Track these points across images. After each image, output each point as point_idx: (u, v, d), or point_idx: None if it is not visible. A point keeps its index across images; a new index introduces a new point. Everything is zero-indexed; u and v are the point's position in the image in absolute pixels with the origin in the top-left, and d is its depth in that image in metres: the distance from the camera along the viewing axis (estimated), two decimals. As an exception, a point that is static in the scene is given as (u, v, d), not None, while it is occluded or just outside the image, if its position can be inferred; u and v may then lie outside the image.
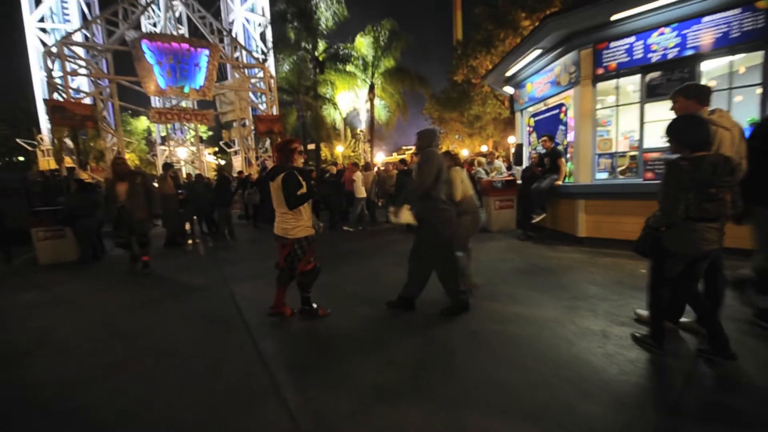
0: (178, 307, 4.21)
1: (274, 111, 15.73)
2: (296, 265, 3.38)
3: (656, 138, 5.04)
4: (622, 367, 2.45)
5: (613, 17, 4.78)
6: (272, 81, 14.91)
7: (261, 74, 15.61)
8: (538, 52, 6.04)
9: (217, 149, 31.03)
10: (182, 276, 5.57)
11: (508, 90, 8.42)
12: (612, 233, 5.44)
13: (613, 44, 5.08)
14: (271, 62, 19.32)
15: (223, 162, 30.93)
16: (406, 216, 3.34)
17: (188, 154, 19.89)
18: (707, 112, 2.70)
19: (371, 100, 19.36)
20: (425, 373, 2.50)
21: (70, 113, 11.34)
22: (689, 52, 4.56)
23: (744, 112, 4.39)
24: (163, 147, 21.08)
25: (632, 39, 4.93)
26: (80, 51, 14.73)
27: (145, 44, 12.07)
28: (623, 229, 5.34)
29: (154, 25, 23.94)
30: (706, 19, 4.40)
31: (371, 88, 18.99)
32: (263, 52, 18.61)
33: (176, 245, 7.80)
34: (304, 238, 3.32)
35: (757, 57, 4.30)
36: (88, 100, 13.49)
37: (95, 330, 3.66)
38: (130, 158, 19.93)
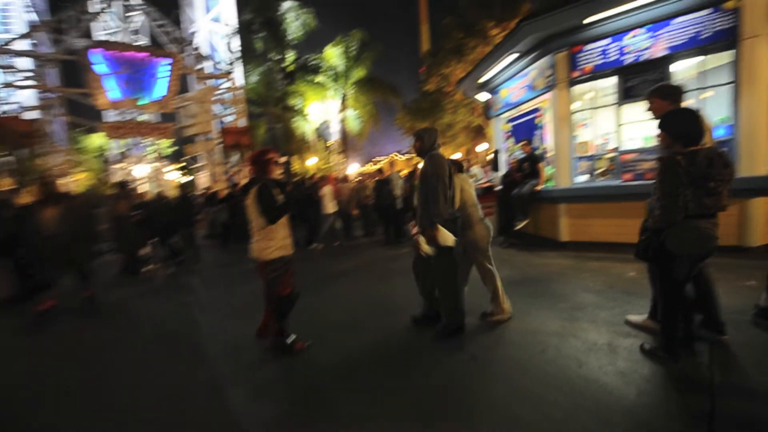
0: (129, 350, 3.60)
1: (242, 123, 15.10)
2: (271, 290, 2.95)
3: (633, 139, 5.05)
4: (639, 387, 2.21)
5: (587, 20, 4.77)
6: (239, 92, 14.27)
7: (227, 85, 14.94)
8: (513, 56, 5.98)
9: (183, 165, 29.59)
10: (137, 308, 4.91)
11: (482, 96, 8.40)
12: (594, 236, 5.37)
13: (588, 47, 5.08)
14: (238, 73, 18.64)
15: (190, 178, 29.49)
16: (448, 237, 2.87)
17: (149, 171, 18.65)
18: None
19: (344, 110, 19.10)
20: (427, 417, 2.13)
21: (6, 129, 10.17)
22: (662, 53, 4.60)
23: (714, 111, 4.44)
24: (121, 165, 19.66)
25: (607, 41, 4.94)
26: (26, 62, 13.49)
27: (96, 54, 11.19)
28: (605, 231, 5.28)
29: (112, 36, 22.61)
30: (677, 20, 4.46)
31: (343, 98, 18.75)
32: (229, 63, 17.93)
33: (133, 272, 7.02)
34: (278, 259, 2.90)
35: (726, 56, 4.38)
36: (35, 115, 12.29)
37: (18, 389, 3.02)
38: (82, 178, 18.42)
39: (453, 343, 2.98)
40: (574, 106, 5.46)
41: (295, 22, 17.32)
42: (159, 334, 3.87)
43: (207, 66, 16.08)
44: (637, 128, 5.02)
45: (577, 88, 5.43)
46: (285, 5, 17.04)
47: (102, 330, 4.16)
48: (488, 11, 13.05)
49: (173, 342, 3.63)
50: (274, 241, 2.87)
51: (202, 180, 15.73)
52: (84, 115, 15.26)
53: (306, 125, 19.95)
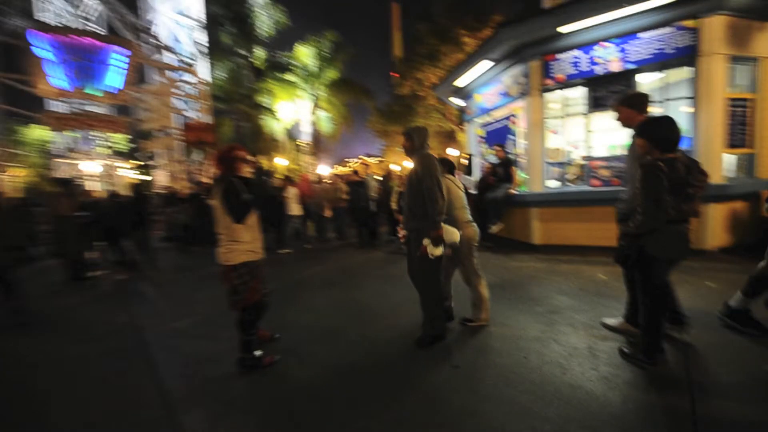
0: (69, 368, 3.14)
1: (208, 119, 14.27)
2: (236, 298, 2.67)
3: (601, 147, 5.24)
4: (624, 393, 2.19)
5: (561, 29, 4.89)
6: (204, 87, 13.47)
7: (190, 79, 14.08)
8: (489, 63, 6.05)
9: (140, 162, 27.65)
10: (80, 319, 4.36)
11: (457, 101, 8.47)
12: (564, 240, 5.51)
13: (561, 56, 5.22)
14: (203, 67, 17.70)
15: (148, 177, 27.64)
16: (453, 234, 2.82)
17: (99, 168, 17.13)
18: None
19: (315, 111, 18.70)
20: (411, 434, 1.97)
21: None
22: (629, 66, 4.81)
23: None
24: (67, 160, 17.87)
25: (578, 52, 5.10)
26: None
27: (38, 37, 10.08)
28: (575, 235, 5.44)
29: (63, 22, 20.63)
30: (643, 35, 4.68)
31: (315, 98, 18.37)
32: (192, 57, 16.96)
33: (78, 279, 6.32)
34: (245, 264, 2.63)
35: (687, 72, 4.65)
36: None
37: None
38: (21, 173, 16.57)
39: (434, 351, 2.85)
40: (546, 114, 5.59)
41: (265, 18, 16.74)
42: (106, 349, 3.42)
43: (168, 58, 15.06)
44: (605, 136, 5.22)
45: (550, 96, 5.57)
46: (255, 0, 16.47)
47: (38, 344, 3.62)
48: (461, 19, 13.31)
49: (121, 357, 3.21)
50: (240, 243, 2.61)
51: (161, 178, 14.66)
52: (23, 104, 13.76)
53: (276, 124, 19.33)
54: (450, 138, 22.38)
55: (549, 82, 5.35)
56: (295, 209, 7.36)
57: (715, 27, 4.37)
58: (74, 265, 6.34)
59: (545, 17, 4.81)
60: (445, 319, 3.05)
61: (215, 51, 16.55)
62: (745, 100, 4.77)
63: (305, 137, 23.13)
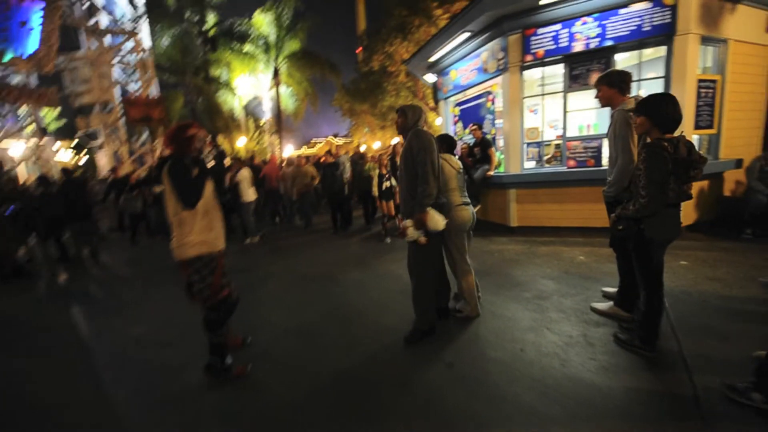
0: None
1: (154, 93, 12.79)
2: (196, 296, 2.32)
3: (577, 127, 5.20)
4: (625, 383, 2.13)
5: (542, 1, 4.66)
6: (146, 55, 11.93)
7: (131, 46, 12.44)
8: (465, 35, 5.73)
9: (76, 142, 24.72)
10: (14, 332, 3.72)
11: (430, 78, 8.12)
12: (541, 221, 5.52)
13: (540, 31, 5.02)
14: (145, 33, 15.75)
15: (84, 159, 24.92)
16: (438, 221, 2.55)
17: (25, 149, 14.95)
18: (631, 101, 2.63)
19: (276, 86, 17.47)
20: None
21: None
22: (608, 43, 4.72)
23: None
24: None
25: (558, 27, 4.92)
26: None
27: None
28: (551, 216, 5.45)
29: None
30: (623, 11, 4.57)
31: (275, 72, 17.11)
32: (133, 20, 14.96)
33: (7, 280, 5.47)
34: (200, 257, 2.25)
35: (663, 50, 4.64)
36: None
37: None
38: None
39: (424, 349, 2.66)
40: (524, 92, 5.43)
41: (216, -21, 15.09)
42: (50, 364, 2.90)
43: (103, 21, 13.15)
44: (582, 116, 5.18)
45: (528, 74, 5.40)
46: (204, -43, 14.71)
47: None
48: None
49: (69, 372, 2.73)
50: (193, 233, 2.23)
51: (103, 161, 13.12)
52: None
53: (234, 100, 17.91)
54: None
55: (529, 57, 5.15)
56: (249, 194, 6.57)
57: (692, 5, 4.34)
58: (1, 263, 5.48)
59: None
60: (435, 313, 2.85)
61: (158, 15, 14.70)
62: (713, 81, 4.87)
63: (267, 115, 21.80)
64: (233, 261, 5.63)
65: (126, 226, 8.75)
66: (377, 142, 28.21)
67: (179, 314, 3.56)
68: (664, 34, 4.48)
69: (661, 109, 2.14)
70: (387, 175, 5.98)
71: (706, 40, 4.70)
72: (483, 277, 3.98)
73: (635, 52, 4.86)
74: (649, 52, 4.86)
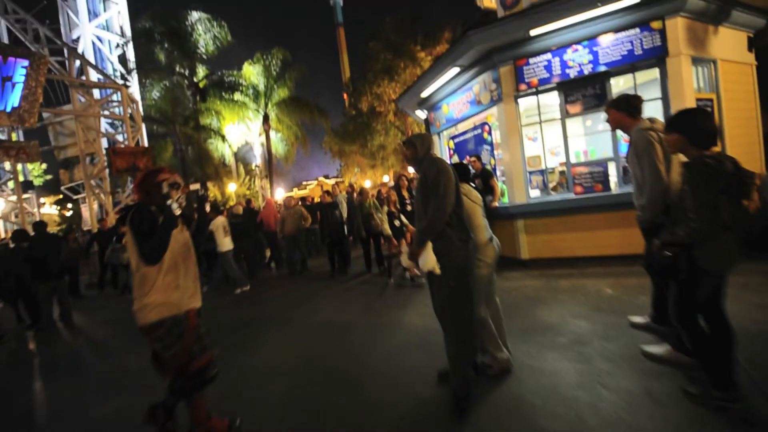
0: None
1: (143, 142, 12.59)
2: (171, 367, 1.89)
3: (574, 153, 5.08)
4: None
5: (533, 32, 4.69)
6: (135, 106, 11.92)
7: (119, 99, 12.47)
8: (455, 70, 5.74)
9: (61, 197, 24.18)
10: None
11: (421, 114, 8.14)
12: (554, 252, 5.18)
13: (532, 60, 5.02)
14: (134, 87, 15.98)
15: (68, 213, 24.32)
16: (430, 260, 2.17)
17: (8, 204, 14.42)
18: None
19: (266, 131, 17.63)
20: None
21: None
22: (601, 68, 4.70)
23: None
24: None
25: (549, 56, 4.93)
26: None
27: None
28: (564, 246, 5.14)
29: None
30: (612, 37, 4.60)
31: (266, 118, 17.34)
32: (123, 76, 15.20)
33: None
34: (163, 321, 1.87)
35: (656, 72, 4.62)
36: None
37: None
38: None
39: (455, 421, 2.16)
40: (522, 120, 5.33)
41: (205, 36, 15.62)
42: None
43: (93, 75, 13.28)
44: (582, 141, 5.06)
45: (524, 102, 5.34)
46: (194, 16, 15.31)
47: None
48: (412, 35, 13.38)
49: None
50: (154, 293, 1.87)
51: (87, 214, 12.62)
52: None
53: (224, 147, 17.92)
54: (408, 154, 22.38)
55: (523, 87, 5.11)
56: (225, 243, 6.06)
57: (678, 29, 4.39)
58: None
59: (516, 19, 4.58)
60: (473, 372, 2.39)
61: (149, 69, 15.00)
62: (710, 100, 4.85)
63: (257, 160, 21.85)
64: (220, 315, 5.07)
65: (108, 280, 8.12)
66: (367, 180, 28.41)
67: (160, 387, 2.99)
68: (656, 57, 4.48)
69: (695, 123, 1.99)
70: (396, 213, 5.50)
71: (696, 61, 4.73)
72: (505, 319, 3.55)
73: (629, 76, 4.85)
74: (642, 75, 4.85)
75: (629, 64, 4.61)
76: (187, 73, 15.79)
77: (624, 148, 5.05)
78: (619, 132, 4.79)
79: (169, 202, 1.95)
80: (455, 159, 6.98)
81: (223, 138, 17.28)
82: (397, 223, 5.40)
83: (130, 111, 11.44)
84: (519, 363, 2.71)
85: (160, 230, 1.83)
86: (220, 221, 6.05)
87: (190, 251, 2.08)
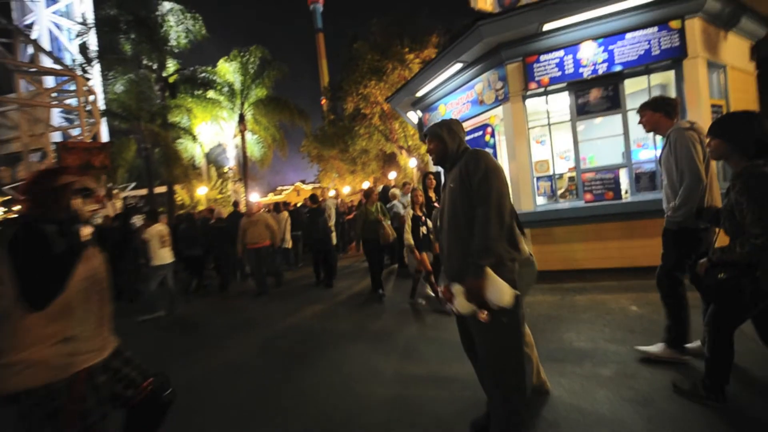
0: None
1: (102, 139, 11.41)
2: None
3: (602, 155, 4.75)
4: None
5: (547, 26, 4.35)
6: (94, 98, 10.73)
7: (75, 90, 11.22)
8: (458, 66, 5.31)
9: (9, 198, 21.82)
10: None
11: (413, 116, 7.68)
12: (563, 264, 4.81)
13: (543, 57, 4.67)
14: (96, 80, 14.62)
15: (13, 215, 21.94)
16: (506, 291, 1.56)
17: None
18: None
19: (242, 132, 16.65)
20: None
21: None
22: (617, 68, 4.41)
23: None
24: None
25: (562, 53, 4.60)
26: None
27: None
28: (574, 257, 4.78)
29: None
30: (629, 35, 4.32)
31: (241, 118, 16.37)
32: (82, 65, 13.78)
33: None
34: (24, 393, 1.22)
35: (672, 74, 4.39)
36: None
37: None
38: None
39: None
40: (529, 122, 4.97)
41: (177, 28, 14.57)
42: None
43: (46, 63, 11.93)
44: (595, 146, 4.74)
45: (532, 102, 4.98)
46: (165, 6, 14.25)
47: None
48: (399, 38, 13.03)
49: None
50: (28, 346, 1.23)
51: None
52: None
53: (194, 148, 16.74)
54: (390, 161, 21.99)
55: (533, 85, 4.74)
56: (161, 255, 5.11)
57: (697, 30, 4.18)
58: None
59: (531, 10, 4.22)
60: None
61: (112, 60, 13.73)
62: (719, 106, 4.68)
63: (231, 162, 20.70)
64: (166, 341, 4.27)
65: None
66: (347, 186, 27.74)
67: None
68: (673, 58, 4.24)
69: (744, 130, 1.82)
70: (423, 218, 4.43)
71: (710, 65, 4.55)
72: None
73: (641, 78, 4.59)
74: (655, 78, 4.62)
75: (645, 65, 4.34)
76: (155, 66, 14.62)
77: (636, 154, 4.80)
78: (635, 136, 4.51)
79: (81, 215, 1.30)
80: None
81: (194, 138, 16.12)
82: (423, 230, 4.40)
83: (86, 103, 10.27)
84: (566, 405, 2.21)
85: (56, 261, 1.17)
86: (157, 230, 5.06)
87: (101, 285, 1.43)
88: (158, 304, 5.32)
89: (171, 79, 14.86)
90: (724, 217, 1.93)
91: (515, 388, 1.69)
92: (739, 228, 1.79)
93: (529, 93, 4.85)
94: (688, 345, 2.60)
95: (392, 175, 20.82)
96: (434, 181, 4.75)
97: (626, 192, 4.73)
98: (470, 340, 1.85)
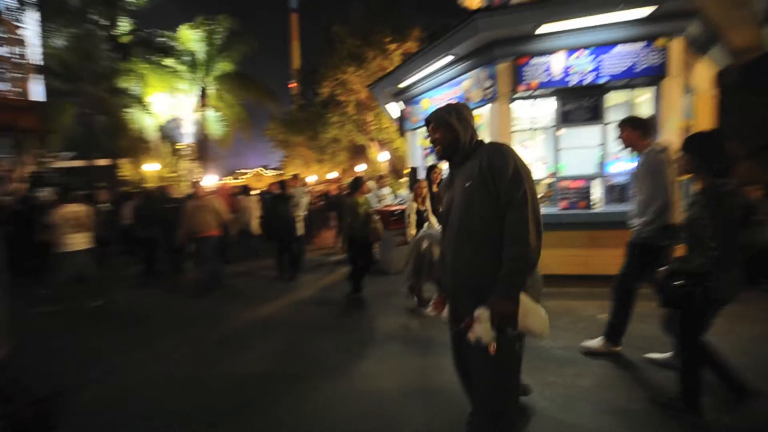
0: None
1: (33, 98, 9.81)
2: None
3: (577, 165, 4.81)
4: None
5: (545, 27, 4.28)
6: (22, 49, 9.22)
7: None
8: (448, 59, 5.14)
9: None
10: None
11: (393, 107, 7.44)
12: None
13: (534, 60, 4.63)
14: (32, 31, 12.66)
15: None
16: (539, 316, 1.38)
17: None
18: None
19: (203, 107, 15.37)
20: None
21: None
22: (603, 79, 4.48)
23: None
24: None
25: (553, 58, 4.58)
26: None
27: None
28: (544, 263, 4.82)
29: None
30: (616, 48, 4.40)
31: (203, 92, 15.09)
32: (14, 9, 11.80)
33: None
34: None
35: (649, 90, 4.54)
36: None
37: None
38: None
39: None
40: (514, 125, 4.93)
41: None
42: None
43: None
44: (575, 154, 4.81)
45: (518, 105, 4.95)
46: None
47: None
48: (381, 25, 12.62)
49: None
50: None
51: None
52: None
53: (146, 119, 15.18)
54: (359, 153, 21.53)
55: (521, 88, 4.69)
56: (73, 242, 4.39)
57: (679, 50, 4.34)
58: None
59: (531, 9, 4.14)
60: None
61: (53, 10, 11.95)
62: (688, 127, 4.94)
63: (188, 139, 19.11)
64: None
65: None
66: (313, 175, 27.00)
67: None
68: (654, 76, 4.38)
69: (713, 147, 1.98)
70: (426, 212, 4.03)
71: (684, 87, 4.77)
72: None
73: (621, 93, 4.72)
74: (634, 94, 4.77)
75: (628, 79, 4.45)
76: (107, 23, 12.96)
77: (608, 167, 4.93)
78: (611, 149, 4.61)
79: None
80: (431, 159, 6.41)
81: (145, 107, 14.57)
82: (426, 226, 3.99)
83: (14, 54, 8.81)
84: (551, 419, 2.15)
85: None
86: (68, 212, 4.36)
87: None
88: (69, 295, 4.54)
89: (123, 40, 13.28)
90: (685, 229, 2.09)
91: (508, 413, 1.51)
92: (698, 240, 1.93)
93: (516, 95, 4.80)
94: (656, 356, 2.72)
95: (362, 168, 20.46)
96: (440, 176, 4.19)
97: (597, 203, 4.85)
98: (464, 359, 1.62)
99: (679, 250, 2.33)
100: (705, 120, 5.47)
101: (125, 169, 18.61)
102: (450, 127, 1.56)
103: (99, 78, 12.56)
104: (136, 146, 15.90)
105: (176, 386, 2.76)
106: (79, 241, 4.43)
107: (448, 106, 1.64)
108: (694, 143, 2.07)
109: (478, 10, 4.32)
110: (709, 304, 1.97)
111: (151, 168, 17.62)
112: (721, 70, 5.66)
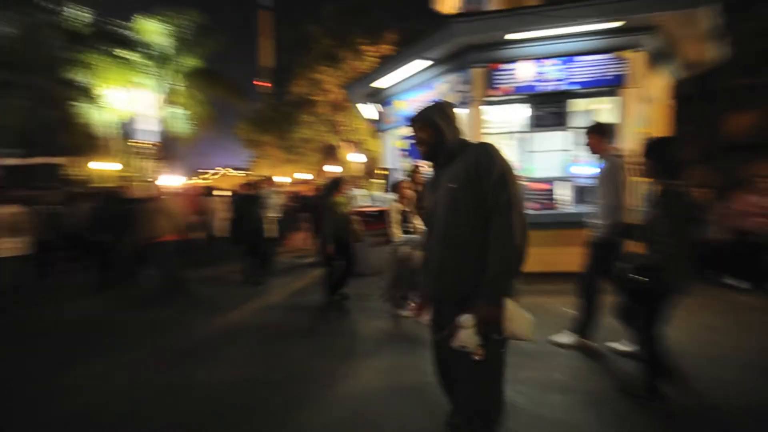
0: None
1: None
2: None
3: (542, 168, 5.01)
4: None
5: (519, 35, 4.43)
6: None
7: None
8: (424, 63, 5.19)
9: None
10: None
11: (366, 108, 7.41)
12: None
13: (506, 66, 4.79)
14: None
15: None
16: (525, 321, 1.36)
17: None
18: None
19: (165, 103, 14.56)
20: None
21: None
22: (568, 87, 4.71)
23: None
24: None
25: (523, 65, 4.76)
26: None
27: None
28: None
29: None
30: (583, 58, 4.64)
31: (166, 88, 14.29)
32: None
33: None
34: None
35: (609, 99, 4.83)
36: None
37: None
38: None
39: None
40: (486, 129, 5.07)
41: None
42: None
43: None
44: (546, 158, 5.03)
45: (490, 110, 5.09)
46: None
47: None
48: (355, 26, 12.56)
49: None
50: None
51: None
52: None
53: (103, 115, 14.12)
54: (330, 153, 21.24)
55: (493, 92, 4.83)
56: (2, 247, 4.05)
57: (639, 63, 4.64)
58: None
59: (505, 16, 4.28)
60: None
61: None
62: (644, 134, 5.30)
63: (149, 137, 18.00)
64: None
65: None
66: (286, 177, 26.35)
67: None
68: (616, 86, 4.66)
69: (666, 152, 2.18)
70: (410, 216, 3.91)
71: (642, 96, 5.11)
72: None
73: (585, 101, 4.99)
74: (595, 102, 5.05)
75: (592, 88, 4.71)
76: (58, 9, 11.93)
77: (569, 169, 5.19)
78: (574, 153, 4.85)
79: None
80: (405, 161, 6.45)
81: (97, 101, 13.54)
82: (411, 228, 3.84)
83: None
84: (528, 414, 2.20)
85: None
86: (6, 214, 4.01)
87: None
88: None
89: (76, 29, 12.28)
90: (644, 227, 2.24)
91: (492, 413, 1.50)
92: (656, 237, 2.09)
93: (488, 100, 4.94)
94: (619, 346, 2.89)
95: (335, 168, 20.19)
96: (422, 176, 4.16)
97: (564, 203, 5.08)
98: (447, 366, 1.58)
99: (633, 247, 2.49)
100: (661, 128, 5.90)
101: (74, 168, 17.20)
102: (435, 127, 1.52)
103: (47, 68, 11.54)
104: (87, 143, 14.78)
105: (145, 399, 2.55)
106: (12, 246, 3.99)
107: (433, 105, 1.60)
108: (653, 149, 2.24)
109: (454, 15, 4.41)
110: (665, 296, 2.13)
111: (109, 167, 16.39)
112: (676, 82, 6.14)
